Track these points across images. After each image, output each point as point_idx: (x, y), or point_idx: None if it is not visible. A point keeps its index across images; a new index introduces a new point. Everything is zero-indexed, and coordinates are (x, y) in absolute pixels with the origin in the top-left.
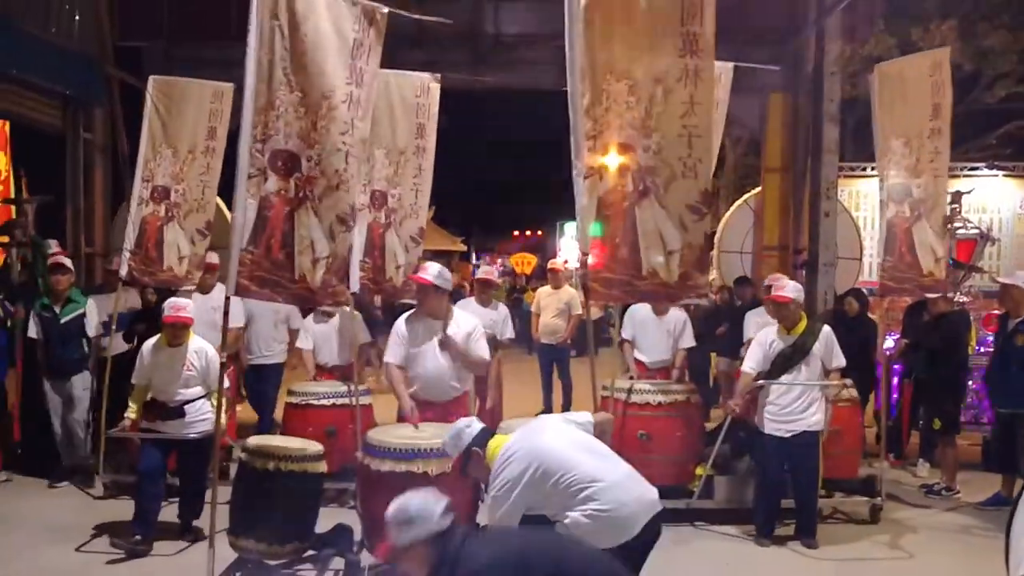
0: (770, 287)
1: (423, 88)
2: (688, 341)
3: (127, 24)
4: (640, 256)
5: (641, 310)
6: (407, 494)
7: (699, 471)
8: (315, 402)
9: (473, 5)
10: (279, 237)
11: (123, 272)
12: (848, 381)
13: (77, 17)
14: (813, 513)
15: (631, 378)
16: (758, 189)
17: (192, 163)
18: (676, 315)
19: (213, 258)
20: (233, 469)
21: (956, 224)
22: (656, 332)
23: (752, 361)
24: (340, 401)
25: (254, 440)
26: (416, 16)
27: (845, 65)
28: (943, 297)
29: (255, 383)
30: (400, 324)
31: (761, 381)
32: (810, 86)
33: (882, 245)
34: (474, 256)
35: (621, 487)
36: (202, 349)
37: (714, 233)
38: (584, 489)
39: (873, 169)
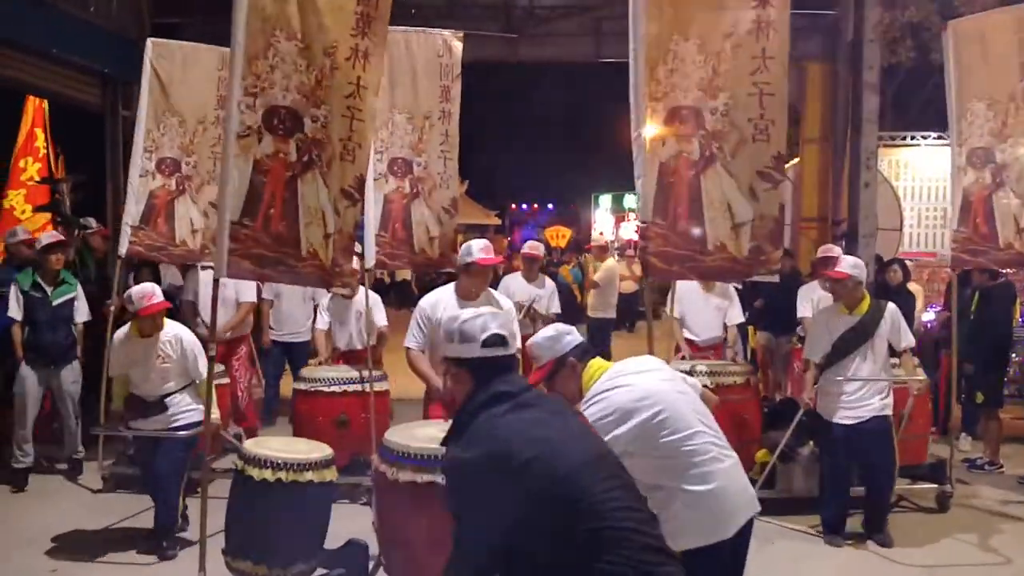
0: (826, 260)
1: (445, 47)
2: (737, 317)
3: (162, 7)
4: (705, 229)
5: (688, 286)
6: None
7: (759, 457)
8: (325, 389)
9: None
10: (279, 207)
11: (123, 249)
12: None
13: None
14: (886, 507)
15: (683, 358)
16: (796, 160)
17: (204, 134)
18: (723, 289)
19: None
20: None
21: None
22: (705, 309)
23: (816, 347)
24: (353, 388)
25: (252, 445)
26: None
27: (885, 32)
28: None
29: (282, 363)
30: (425, 306)
31: (840, 377)
32: (849, 54)
33: (956, 214)
34: (508, 230)
35: (730, 474)
36: (176, 336)
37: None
38: (696, 464)
39: (913, 139)
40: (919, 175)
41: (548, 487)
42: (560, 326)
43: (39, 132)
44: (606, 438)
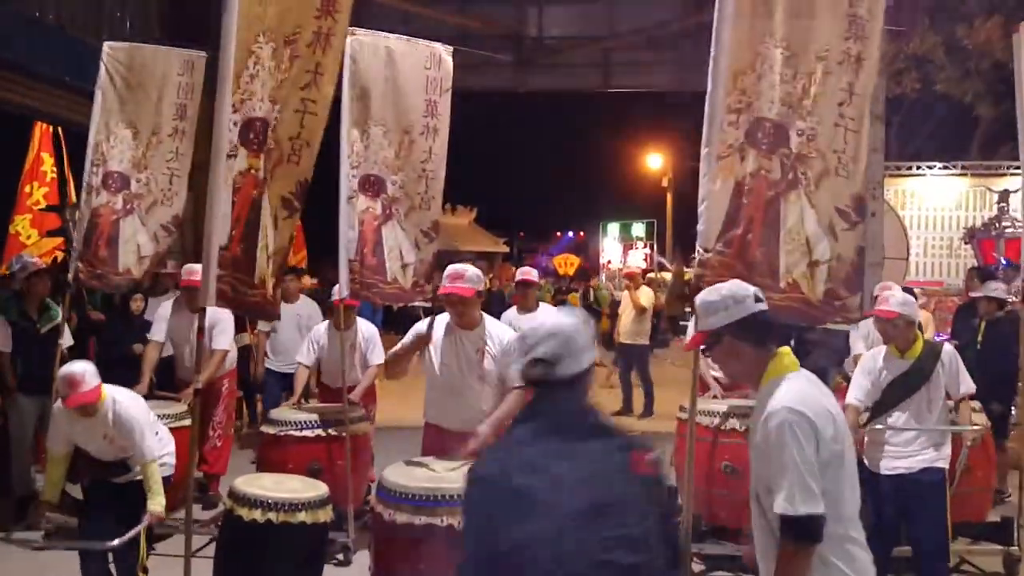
0: (874, 298)
1: (434, 59)
2: None
3: (175, 29)
4: (779, 261)
5: None
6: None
7: None
8: (296, 433)
9: (516, 8)
10: (240, 229)
11: (70, 276)
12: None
13: (128, 24)
14: (943, 567)
15: (714, 397)
16: None
17: (157, 147)
18: None
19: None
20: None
21: (1004, 224)
22: None
23: (859, 391)
24: (329, 431)
25: (242, 483)
26: None
27: (889, 64)
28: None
29: (278, 393)
30: (422, 325)
31: (880, 424)
32: None
33: None
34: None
35: None
36: (116, 415)
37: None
38: (850, 518)
39: (919, 168)
40: (925, 204)
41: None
42: (736, 286)
43: (46, 157)
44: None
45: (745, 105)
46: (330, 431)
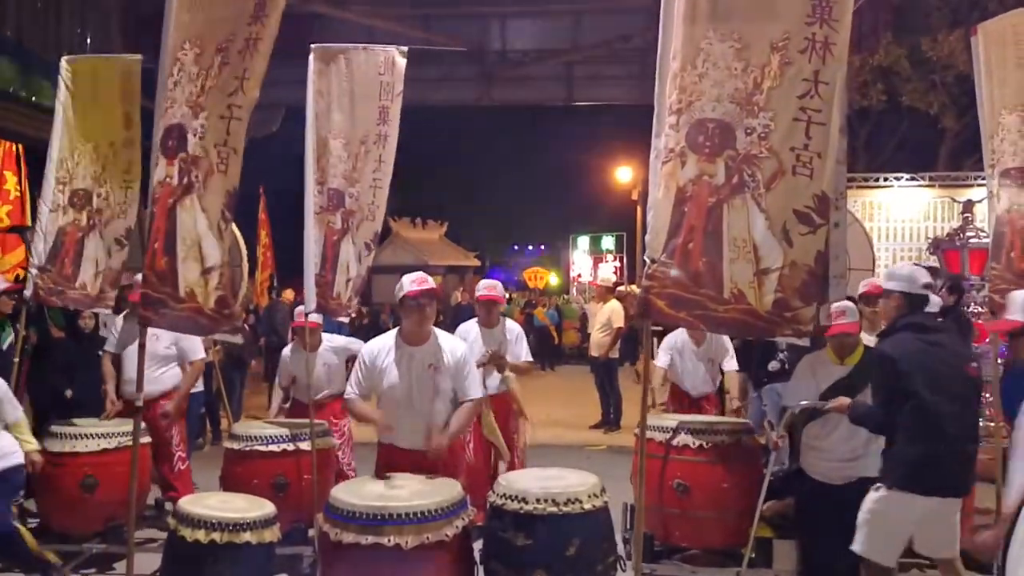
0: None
1: (387, 63)
2: (731, 363)
3: (135, 45)
4: (723, 271)
5: (679, 339)
6: None
7: (762, 531)
8: (262, 448)
9: (480, 23)
10: (161, 241)
11: (28, 292)
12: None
13: (88, 40)
14: None
15: (665, 410)
16: None
17: (114, 159)
18: (715, 340)
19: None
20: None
21: (968, 234)
22: (697, 364)
23: (795, 395)
24: (295, 445)
25: (186, 503)
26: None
27: (854, 75)
28: None
29: None
30: (366, 353)
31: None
32: None
33: (990, 249)
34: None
35: None
36: None
37: (827, 254)
38: None
39: (886, 180)
40: (892, 216)
41: None
42: None
43: (9, 176)
44: None
45: (685, 105)
46: (297, 445)
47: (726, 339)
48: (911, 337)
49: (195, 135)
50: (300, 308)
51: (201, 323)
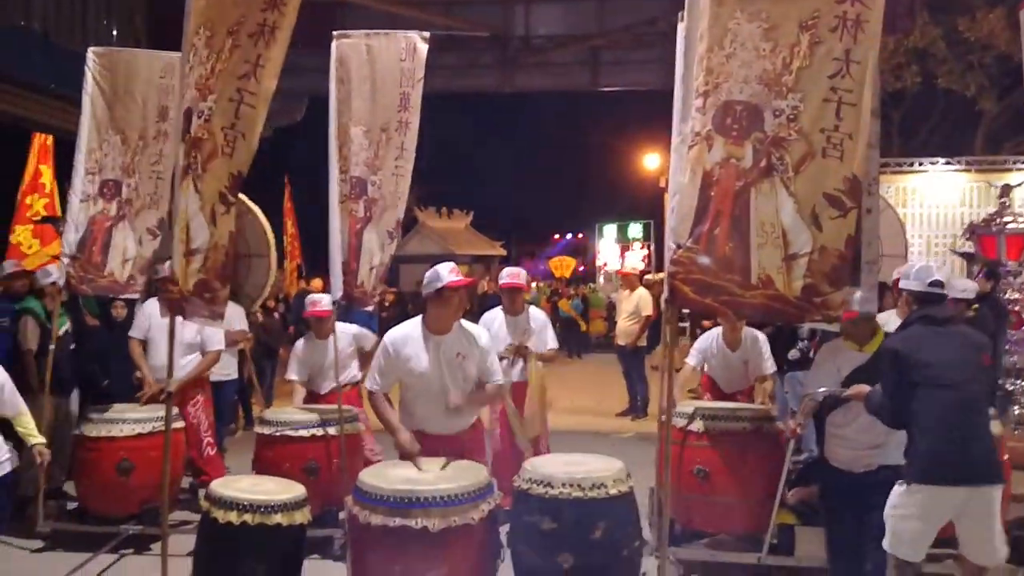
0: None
1: (409, 49)
2: (769, 366)
3: (160, 40)
4: (750, 257)
5: (711, 342)
6: None
7: (784, 518)
8: (292, 433)
9: (503, 7)
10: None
11: (61, 281)
12: None
13: (114, 31)
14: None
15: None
16: None
17: (144, 151)
18: (750, 345)
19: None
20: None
21: (1006, 219)
22: (729, 366)
23: (815, 383)
24: (325, 431)
25: (218, 485)
26: None
27: (889, 58)
28: None
29: None
30: (390, 343)
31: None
32: None
33: None
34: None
35: None
36: None
37: (858, 238)
38: None
39: (920, 164)
40: (926, 201)
41: None
42: None
43: (45, 169)
44: None
45: (712, 87)
46: (326, 430)
47: (764, 346)
48: (921, 330)
49: (200, 117)
50: (309, 298)
51: (175, 304)
